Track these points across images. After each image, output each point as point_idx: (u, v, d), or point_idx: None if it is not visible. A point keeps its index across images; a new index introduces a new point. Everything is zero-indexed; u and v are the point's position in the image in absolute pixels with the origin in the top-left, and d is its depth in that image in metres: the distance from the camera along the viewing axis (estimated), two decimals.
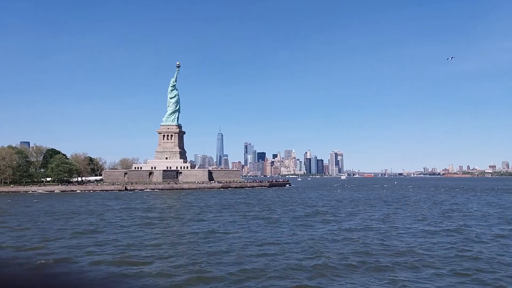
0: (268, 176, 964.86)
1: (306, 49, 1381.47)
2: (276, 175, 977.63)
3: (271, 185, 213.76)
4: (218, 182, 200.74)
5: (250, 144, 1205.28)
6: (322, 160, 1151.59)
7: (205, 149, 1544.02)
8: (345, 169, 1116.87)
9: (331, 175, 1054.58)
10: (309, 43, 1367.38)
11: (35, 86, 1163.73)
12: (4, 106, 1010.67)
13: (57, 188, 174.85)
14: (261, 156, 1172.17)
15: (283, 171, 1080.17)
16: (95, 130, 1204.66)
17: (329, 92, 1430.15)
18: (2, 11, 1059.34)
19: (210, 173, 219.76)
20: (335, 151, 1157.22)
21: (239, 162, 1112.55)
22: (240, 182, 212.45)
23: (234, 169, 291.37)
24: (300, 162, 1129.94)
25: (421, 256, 36.89)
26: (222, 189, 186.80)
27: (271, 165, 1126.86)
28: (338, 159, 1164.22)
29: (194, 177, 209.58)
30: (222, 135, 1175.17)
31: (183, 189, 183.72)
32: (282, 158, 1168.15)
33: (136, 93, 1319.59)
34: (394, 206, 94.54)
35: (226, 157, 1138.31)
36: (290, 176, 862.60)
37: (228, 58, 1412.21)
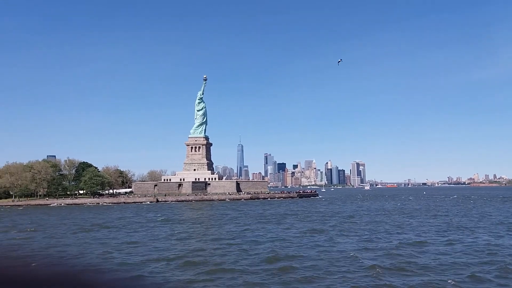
0: (289, 187, 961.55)
1: (325, 58, 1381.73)
2: (297, 186, 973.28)
3: (300, 196, 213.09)
4: (247, 193, 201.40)
5: (270, 155, 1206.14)
6: (344, 170, 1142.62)
7: (226, 160, 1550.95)
8: (367, 179, 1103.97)
9: (353, 185, 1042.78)
10: (328, 52, 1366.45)
11: (58, 99, 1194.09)
12: (29, 121, 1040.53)
13: (90, 201, 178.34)
14: (282, 166, 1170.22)
15: (304, 181, 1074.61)
16: (123, 143, 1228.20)
17: (350, 101, 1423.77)
18: (25, 24, 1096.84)
19: (237, 184, 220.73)
20: (357, 161, 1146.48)
21: (260, 173, 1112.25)
22: (268, 193, 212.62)
23: (261, 180, 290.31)
24: (321, 172, 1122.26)
25: None
26: (251, 200, 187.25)
27: (292, 176, 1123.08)
28: (360, 169, 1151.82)
29: (222, 188, 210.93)
30: (242, 146, 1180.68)
31: (212, 200, 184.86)
32: (303, 168, 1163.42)
33: (162, 106, 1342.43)
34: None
35: (246, 168, 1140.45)
36: (312, 186, 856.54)
37: (247, 68, 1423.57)
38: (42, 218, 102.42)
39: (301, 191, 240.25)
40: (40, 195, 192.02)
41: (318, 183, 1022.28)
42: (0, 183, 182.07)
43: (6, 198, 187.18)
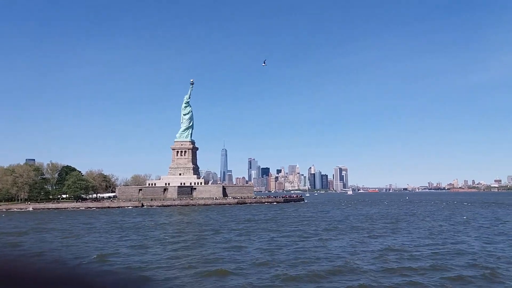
0: (273, 191, 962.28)
1: (310, 64, 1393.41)
2: (281, 191, 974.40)
3: (286, 200, 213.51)
4: (233, 198, 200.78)
5: (254, 159, 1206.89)
6: (327, 175, 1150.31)
7: (209, 164, 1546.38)
8: (349, 184, 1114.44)
9: (335, 190, 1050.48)
10: (313, 58, 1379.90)
11: (37, 103, 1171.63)
12: (7, 123, 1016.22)
13: (73, 205, 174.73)
14: (265, 171, 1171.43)
15: (288, 186, 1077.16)
16: (106, 147, 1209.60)
17: (333, 107, 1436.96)
18: (13, 27, 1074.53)
19: (224, 188, 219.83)
20: (340, 166, 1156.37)
21: (243, 177, 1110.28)
22: (254, 198, 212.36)
23: (247, 185, 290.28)
24: (305, 177, 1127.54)
25: None
26: (238, 204, 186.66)
27: (276, 181, 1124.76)
28: (342, 174, 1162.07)
29: (208, 193, 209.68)
30: (226, 151, 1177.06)
31: (199, 205, 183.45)
32: (286, 173, 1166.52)
33: (145, 110, 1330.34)
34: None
35: (230, 173, 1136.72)
36: (295, 191, 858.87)
37: (231, 73, 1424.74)
38: (27, 223, 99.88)
39: (287, 196, 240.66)
40: (21, 199, 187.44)
41: (301, 187, 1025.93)
42: None
43: None
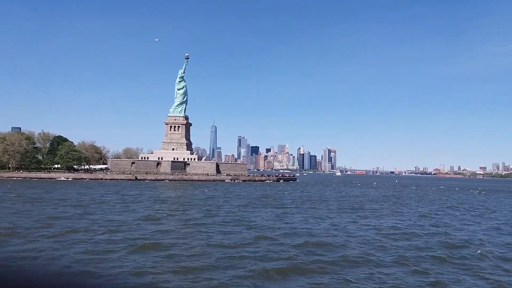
0: (261, 170, 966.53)
1: (302, 45, 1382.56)
2: (269, 169, 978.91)
3: (278, 179, 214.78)
4: (227, 175, 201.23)
5: (243, 137, 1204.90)
6: (316, 156, 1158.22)
7: (198, 140, 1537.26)
8: (337, 165, 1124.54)
9: (323, 171, 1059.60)
10: (305, 39, 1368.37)
11: (25, 71, 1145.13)
12: None
13: (66, 176, 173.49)
14: (255, 150, 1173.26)
15: (276, 165, 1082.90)
16: (96, 119, 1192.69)
17: (324, 88, 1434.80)
18: None
19: (217, 165, 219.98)
20: (329, 147, 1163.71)
21: (232, 155, 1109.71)
22: (248, 176, 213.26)
23: (241, 162, 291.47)
24: (294, 157, 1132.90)
25: None
26: (231, 182, 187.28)
27: (265, 159, 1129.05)
28: (331, 155, 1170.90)
29: (202, 169, 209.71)
30: (216, 128, 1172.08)
31: (193, 180, 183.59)
32: (276, 152, 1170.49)
33: (138, 83, 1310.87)
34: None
35: (219, 150, 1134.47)
36: (284, 170, 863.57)
37: (223, 51, 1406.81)
38: (35, 192, 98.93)
39: (280, 175, 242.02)
40: (10, 168, 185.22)
41: (290, 167, 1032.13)
42: None
43: None
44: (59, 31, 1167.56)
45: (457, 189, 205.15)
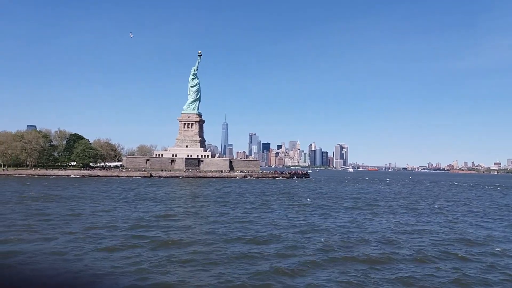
0: (273, 166, 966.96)
1: (313, 41, 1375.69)
2: (281, 166, 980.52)
3: (291, 176, 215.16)
4: (240, 172, 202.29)
5: (255, 134, 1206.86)
6: (327, 152, 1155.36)
7: (210, 137, 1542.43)
8: (349, 161, 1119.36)
9: (335, 168, 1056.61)
10: (317, 35, 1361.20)
11: (41, 70, 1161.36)
12: (9, 90, 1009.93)
13: (82, 173, 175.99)
14: (266, 146, 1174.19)
15: (288, 162, 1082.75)
16: (109, 116, 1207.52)
17: (335, 84, 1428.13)
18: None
19: (230, 162, 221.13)
20: (340, 143, 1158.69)
21: (244, 152, 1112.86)
22: (261, 172, 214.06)
23: (253, 159, 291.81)
24: (305, 153, 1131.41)
25: None
26: (245, 178, 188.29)
27: (276, 156, 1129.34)
28: (343, 151, 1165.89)
29: (215, 166, 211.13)
30: (227, 125, 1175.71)
31: (207, 177, 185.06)
32: (287, 149, 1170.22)
33: (151, 81, 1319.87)
34: None
35: (231, 147, 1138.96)
36: (295, 167, 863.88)
37: (234, 48, 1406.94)
38: (57, 188, 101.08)
39: (293, 172, 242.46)
40: (28, 165, 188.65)
41: (301, 164, 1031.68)
42: None
43: None
44: (73, 29, 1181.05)
45: (472, 185, 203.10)
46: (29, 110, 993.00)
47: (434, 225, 53.68)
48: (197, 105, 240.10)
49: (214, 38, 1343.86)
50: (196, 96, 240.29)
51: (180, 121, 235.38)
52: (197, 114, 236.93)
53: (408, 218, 60.42)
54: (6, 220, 49.10)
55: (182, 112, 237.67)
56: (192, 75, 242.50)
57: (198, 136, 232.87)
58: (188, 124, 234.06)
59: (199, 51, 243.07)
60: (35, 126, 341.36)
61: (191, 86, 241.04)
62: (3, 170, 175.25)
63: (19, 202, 68.59)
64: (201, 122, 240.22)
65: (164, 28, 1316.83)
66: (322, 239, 41.23)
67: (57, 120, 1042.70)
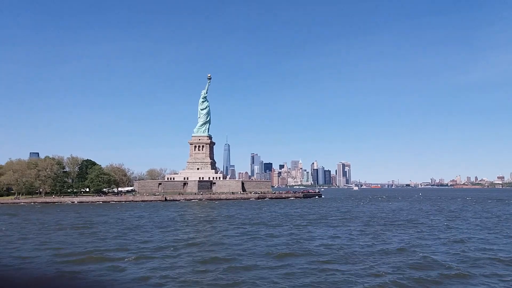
0: (275, 186, 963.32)
1: (313, 60, 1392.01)
2: (284, 186, 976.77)
3: (305, 196, 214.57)
4: (254, 193, 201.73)
5: (257, 154, 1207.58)
6: (330, 170, 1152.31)
7: None
8: (352, 179, 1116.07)
9: (338, 186, 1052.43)
10: (316, 53, 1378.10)
11: (39, 94, 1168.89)
12: (9, 118, 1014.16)
13: (97, 199, 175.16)
14: (268, 166, 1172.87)
15: (290, 181, 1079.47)
16: (115, 140, 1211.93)
17: (336, 102, 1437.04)
18: (15, 19, 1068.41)
19: (242, 183, 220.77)
20: (343, 161, 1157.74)
21: (246, 172, 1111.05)
22: (274, 193, 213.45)
23: (264, 180, 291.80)
24: (307, 172, 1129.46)
25: None
26: (259, 199, 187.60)
27: (279, 176, 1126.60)
28: (345, 170, 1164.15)
29: (228, 187, 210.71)
30: (229, 146, 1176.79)
31: (221, 199, 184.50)
32: (289, 168, 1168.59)
33: (158, 104, 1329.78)
34: None
35: (233, 168, 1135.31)
36: (299, 186, 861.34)
37: (234, 68, 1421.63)
38: (88, 215, 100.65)
39: (306, 191, 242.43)
40: (41, 192, 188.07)
41: (304, 183, 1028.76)
42: (3, 180, 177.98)
43: (8, 195, 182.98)
44: (78, 53, 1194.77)
45: (489, 201, 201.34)
46: (29, 137, 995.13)
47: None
48: (207, 127, 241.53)
49: (214, 60, 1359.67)
50: (206, 119, 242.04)
51: (191, 144, 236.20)
52: (207, 136, 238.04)
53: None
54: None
55: (193, 135, 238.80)
56: (202, 98, 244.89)
57: (209, 158, 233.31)
58: (199, 146, 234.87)
59: (209, 74, 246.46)
60: (38, 154, 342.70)
61: (201, 109, 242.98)
62: (15, 198, 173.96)
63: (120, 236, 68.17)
64: (211, 144, 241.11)
65: (168, 51, 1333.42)
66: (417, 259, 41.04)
67: (58, 146, 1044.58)
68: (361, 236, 59.54)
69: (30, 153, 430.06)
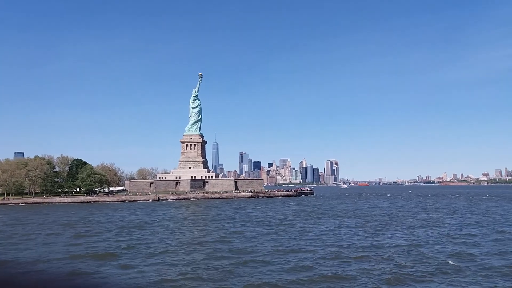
0: (265, 185, 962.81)
1: (300, 58, 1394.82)
2: (272, 184, 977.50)
3: (298, 194, 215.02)
4: (248, 192, 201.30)
5: (245, 153, 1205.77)
6: (318, 169, 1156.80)
7: None
8: (340, 177, 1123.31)
9: (326, 184, 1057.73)
10: (304, 52, 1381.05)
11: (30, 94, 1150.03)
12: None
13: (90, 199, 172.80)
14: (257, 165, 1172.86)
15: (279, 180, 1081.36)
16: (105, 140, 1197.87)
17: (324, 100, 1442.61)
18: (3, 19, 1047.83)
19: (235, 182, 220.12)
20: (331, 159, 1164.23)
21: (235, 171, 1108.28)
22: (267, 191, 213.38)
23: (257, 178, 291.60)
24: (296, 171, 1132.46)
25: None
26: (252, 198, 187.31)
27: (267, 174, 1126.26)
28: (333, 167, 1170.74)
29: (220, 186, 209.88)
30: (217, 144, 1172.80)
31: (214, 198, 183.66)
32: (278, 167, 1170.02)
33: (148, 103, 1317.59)
34: None
35: (221, 166, 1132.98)
36: (287, 185, 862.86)
37: (223, 67, 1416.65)
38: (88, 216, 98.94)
39: (299, 190, 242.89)
40: (30, 193, 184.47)
41: (293, 181, 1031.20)
42: None
43: None
44: (67, 52, 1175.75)
45: (487, 196, 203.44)
46: (13, 137, 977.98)
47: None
48: (199, 126, 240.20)
49: (202, 58, 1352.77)
50: (198, 117, 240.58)
51: (183, 143, 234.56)
52: (199, 135, 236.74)
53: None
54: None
55: (184, 133, 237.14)
56: (193, 96, 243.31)
57: (201, 157, 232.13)
58: (191, 145, 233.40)
59: (200, 73, 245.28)
60: (23, 154, 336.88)
61: (193, 108, 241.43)
62: (2, 199, 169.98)
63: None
64: (203, 143, 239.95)
65: (158, 48, 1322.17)
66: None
67: (43, 145, 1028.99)
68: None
69: (15, 153, 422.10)
